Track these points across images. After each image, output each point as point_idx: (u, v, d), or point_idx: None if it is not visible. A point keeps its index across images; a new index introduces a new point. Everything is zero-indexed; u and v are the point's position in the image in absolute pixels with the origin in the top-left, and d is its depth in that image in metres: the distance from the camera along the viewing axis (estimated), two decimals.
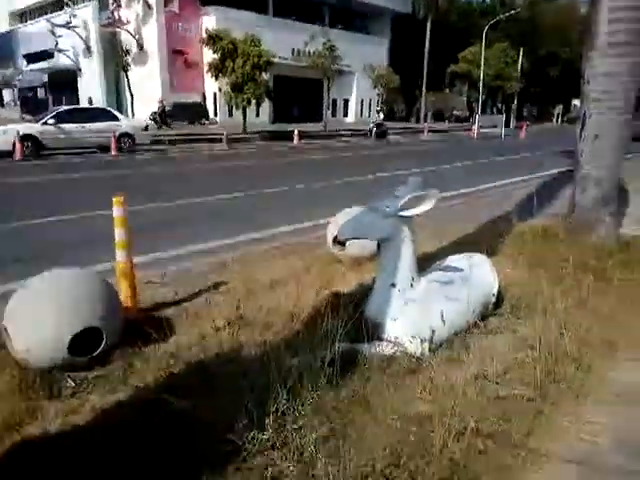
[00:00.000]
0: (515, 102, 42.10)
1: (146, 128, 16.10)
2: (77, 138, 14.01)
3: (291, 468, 1.60)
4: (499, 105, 45.40)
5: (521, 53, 39.10)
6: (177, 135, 19.96)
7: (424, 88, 41.96)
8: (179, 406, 1.81)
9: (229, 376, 2.03)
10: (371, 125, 24.44)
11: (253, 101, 21.66)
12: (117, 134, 14.51)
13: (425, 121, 39.07)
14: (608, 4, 3.70)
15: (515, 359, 2.47)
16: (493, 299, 2.93)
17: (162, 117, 24.35)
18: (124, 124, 15.28)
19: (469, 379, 2.24)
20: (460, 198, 7.30)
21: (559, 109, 48.37)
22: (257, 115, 29.35)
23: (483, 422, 1.95)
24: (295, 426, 1.74)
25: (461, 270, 2.82)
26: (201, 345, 2.40)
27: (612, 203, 4.13)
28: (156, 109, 24.03)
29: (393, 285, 2.48)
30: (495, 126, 27.12)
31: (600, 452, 1.89)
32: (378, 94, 32.49)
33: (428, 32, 41.19)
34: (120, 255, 2.62)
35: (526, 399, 2.14)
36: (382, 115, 24.25)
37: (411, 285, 2.51)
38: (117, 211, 2.60)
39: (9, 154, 12.53)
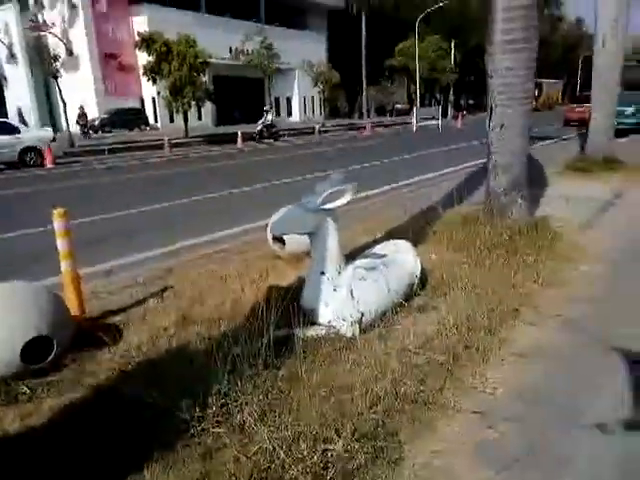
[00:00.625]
0: (451, 93, 43.83)
1: (54, 139, 14.59)
2: None
3: (233, 440, 1.84)
4: (437, 96, 47.05)
5: (452, 45, 40.74)
6: (114, 143, 19.46)
7: (364, 83, 42.84)
8: (130, 393, 2.01)
9: (177, 367, 2.24)
10: (259, 127, 21.58)
11: (193, 104, 21.44)
12: (19, 149, 13.28)
13: (368, 116, 40.00)
14: (502, 4, 4.14)
15: (434, 332, 2.82)
16: (416, 280, 3.27)
17: (84, 125, 23.39)
18: (27, 137, 13.80)
19: (392, 352, 2.57)
20: (391, 192, 7.74)
21: None
22: (199, 118, 29.05)
23: (401, 386, 2.27)
24: (236, 404, 1.98)
25: (384, 256, 3.15)
26: (151, 345, 2.59)
27: (522, 187, 4.61)
28: (76, 116, 23.05)
29: (323, 273, 2.76)
30: (434, 117, 28.17)
31: (498, 402, 2.26)
32: (319, 91, 32.90)
33: (364, 27, 42.03)
34: (64, 265, 2.75)
35: (440, 364, 2.49)
36: (271, 116, 22.13)
37: (338, 272, 2.81)
38: (58, 224, 2.73)
39: None
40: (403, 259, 3.23)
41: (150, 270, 3.92)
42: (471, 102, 54.67)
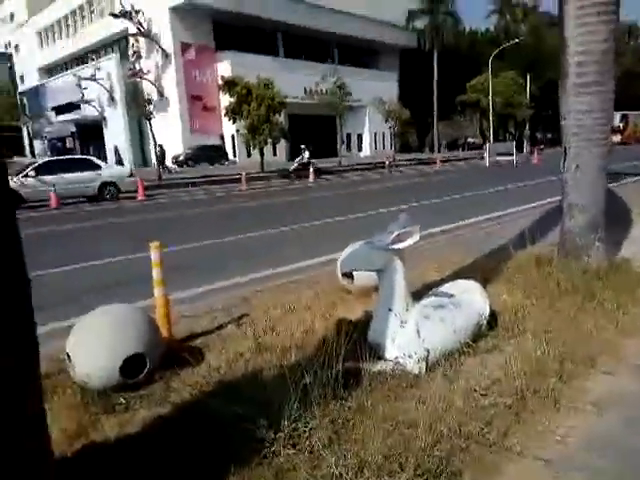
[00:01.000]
0: (527, 127, 42.55)
1: (131, 175, 15.91)
2: (61, 189, 13.83)
3: (303, 462, 1.98)
4: (512, 131, 45.90)
5: (528, 79, 39.82)
6: (197, 177, 20.90)
7: (435, 118, 42.87)
8: (210, 411, 2.22)
9: (252, 390, 2.43)
10: (295, 165, 21.67)
11: (269, 141, 22.63)
12: (98, 183, 14.62)
13: (439, 151, 39.84)
14: (575, 49, 4.15)
15: (502, 374, 2.80)
16: (484, 322, 3.27)
17: (161, 161, 24.89)
18: (106, 173, 15.22)
19: (458, 392, 2.59)
20: (461, 229, 7.67)
21: None
22: (274, 154, 30.51)
23: (467, 426, 2.29)
24: (305, 429, 2.12)
25: (452, 295, 3.20)
26: (228, 368, 2.81)
27: (599, 229, 4.45)
28: (158, 154, 24.69)
29: (390, 310, 2.87)
30: (509, 152, 27.46)
31: (569, 451, 2.21)
32: (390, 127, 33.39)
33: (435, 64, 42.41)
34: (157, 292, 3.09)
35: (507, 407, 2.48)
36: (307, 154, 21.57)
37: (406, 309, 2.90)
38: (154, 255, 3.09)
39: None
40: (471, 299, 3.26)
41: (229, 298, 4.23)
42: (549, 136, 52.66)
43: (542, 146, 38.39)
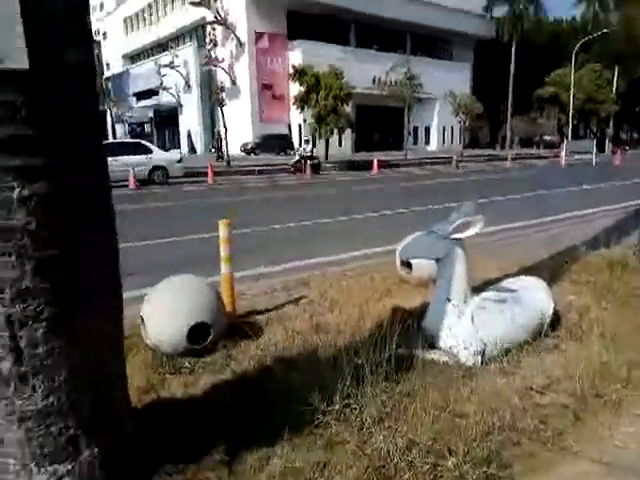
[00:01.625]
0: (611, 125, 39.62)
1: (180, 160, 16.13)
2: (117, 170, 13.51)
3: (352, 436, 2.05)
4: (593, 129, 42.91)
5: (616, 74, 36.94)
6: (263, 165, 21.41)
7: (509, 114, 40.96)
8: (269, 381, 2.35)
9: (307, 366, 2.54)
10: (296, 158, 19.69)
11: (335, 131, 22.71)
12: (149, 167, 15.00)
13: (510, 148, 38.09)
14: None
15: (562, 375, 2.72)
16: (547, 320, 3.17)
17: (218, 148, 24.88)
18: (156, 157, 15.48)
19: (514, 388, 2.55)
20: (533, 228, 7.36)
21: None
22: (339, 144, 30.59)
23: (521, 422, 2.26)
24: (357, 406, 2.19)
25: (514, 291, 3.12)
26: (286, 343, 2.94)
27: None
28: (216, 141, 24.53)
29: (448, 300, 2.86)
30: (589, 151, 25.78)
31: (628, 456, 2.12)
32: (459, 121, 32.35)
33: (513, 55, 40.41)
34: (224, 268, 3.27)
35: (565, 407, 2.41)
36: (310, 146, 19.73)
37: (465, 301, 2.87)
38: (223, 232, 3.26)
39: None
40: (534, 296, 3.17)
41: (289, 280, 4.37)
42: (635, 136, 48.73)
43: (627, 147, 35.66)
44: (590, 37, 34.68)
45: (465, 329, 2.79)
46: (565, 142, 27.61)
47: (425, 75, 29.65)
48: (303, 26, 33.31)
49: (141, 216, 9.40)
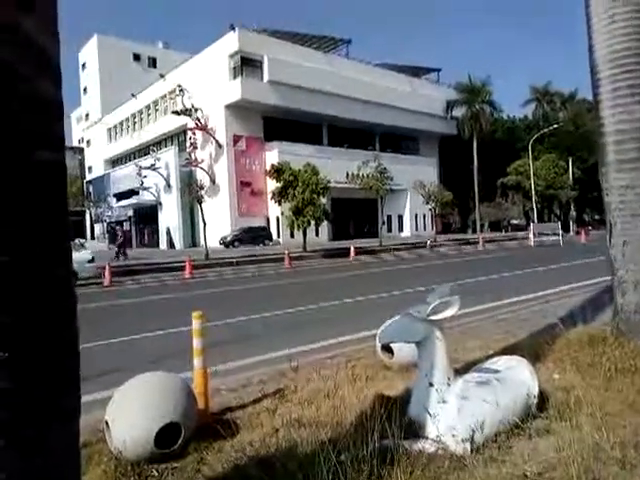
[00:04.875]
0: (572, 208, 41.92)
1: (91, 260, 15.14)
2: None
3: None
4: (556, 212, 45.25)
5: (570, 163, 39.89)
6: (242, 257, 21.55)
7: (477, 200, 43.10)
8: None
9: (285, 467, 2.34)
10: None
11: (312, 222, 23.34)
12: None
13: (481, 231, 39.57)
14: (613, 128, 4.21)
15: (555, 459, 2.57)
16: (534, 401, 3.07)
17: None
18: None
19: (507, 477, 2.39)
20: (509, 307, 7.41)
21: None
22: (317, 235, 31.25)
23: None
24: None
25: (498, 372, 3.05)
26: (262, 443, 2.74)
27: None
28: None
29: (431, 384, 2.76)
30: (554, 233, 26.97)
31: None
32: (430, 209, 33.78)
33: (475, 149, 43.47)
34: (197, 362, 3.13)
35: None
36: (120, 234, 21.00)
37: (447, 384, 2.78)
38: (196, 324, 3.17)
39: None
40: (518, 376, 3.09)
41: (266, 372, 4.19)
42: (596, 217, 51.40)
43: (589, 227, 37.47)
44: (542, 132, 37.90)
45: (451, 415, 2.67)
46: (532, 225, 28.87)
47: (395, 168, 31.46)
48: (278, 128, 35.55)
49: (101, 314, 9.15)
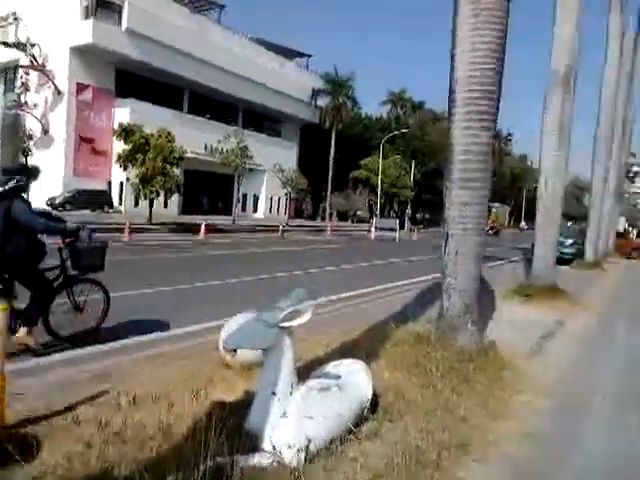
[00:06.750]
0: (409, 207, 46.72)
1: None
2: None
3: None
4: (396, 209, 49.97)
5: (413, 165, 44.29)
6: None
7: (329, 190, 45.25)
8: None
9: None
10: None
11: (162, 193, 21.81)
12: None
13: (330, 220, 41.72)
14: (461, 148, 4.59)
15: (383, 465, 2.68)
16: (368, 405, 3.17)
17: None
18: None
19: None
20: (348, 301, 7.76)
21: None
22: (165, 206, 29.35)
23: None
24: None
25: (338, 377, 3.07)
26: (69, 465, 2.31)
27: (473, 311, 4.75)
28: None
29: (273, 394, 2.64)
30: (392, 229, 29.66)
31: None
32: (286, 193, 34.37)
33: (333, 141, 45.46)
34: None
35: None
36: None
37: (290, 393, 2.69)
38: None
39: None
40: (356, 381, 3.15)
41: (83, 371, 3.63)
42: (427, 217, 58.25)
43: (421, 225, 42.23)
44: (394, 133, 41.27)
45: (290, 426, 2.58)
46: (375, 219, 31.36)
47: (256, 148, 31.10)
48: (134, 85, 32.28)
49: None
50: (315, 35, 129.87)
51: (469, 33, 4.38)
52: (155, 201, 22.68)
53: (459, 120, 4.49)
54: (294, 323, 2.67)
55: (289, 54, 45.70)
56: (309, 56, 49.26)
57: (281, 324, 2.64)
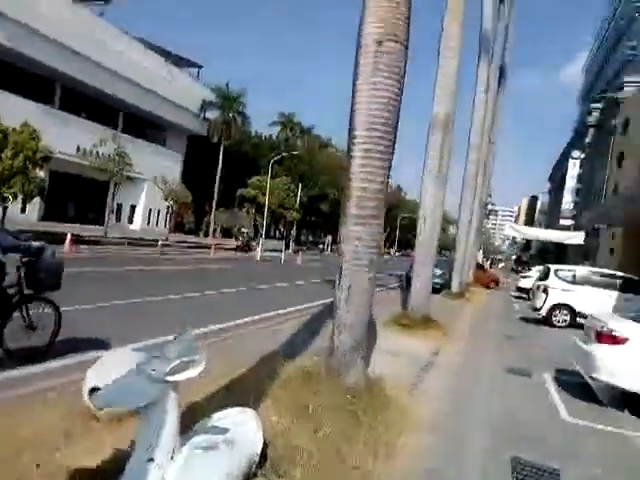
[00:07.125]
0: (294, 229, 47.45)
1: None
2: None
3: None
4: (281, 229, 50.38)
5: (300, 188, 45.22)
6: None
7: (214, 205, 44.07)
8: None
9: None
10: None
11: (20, 196, 19.19)
12: None
13: (214, 236, 40.51)
14: (357, 185, 4.63)
15: None
16: (257, 458, 2.92)
17: None
18: None
19: None
20: (237, 329, 7.45)
21: (328, 239, 56.30)
22: (23, 211, 25.82)
23: None
24: None
25: (226, 431, 2.77)
26: None
27: (362, 347, 4.77)
28: None
29: (151, 460, 2.26)
30: (277, 250, 29.71)
31: None
32: (167, 206, 32.62)
33: (221, 155, 44.59)
34: None
35: None
36: None
37: (171, 458, 2.33)
38: None
39: None
40: (245, 431, 2.89)
41: None
42: (310, 239, 59.71)
43: (305, 248, 43.09)
44: (282, 154, 41.79)
45: None
46: (261, 240, 31.12)
47: (136, 155, 29.08)
48: None
49: None
50: (209, 49, 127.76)
51: (370, 75, 4.48)
52: (10, 204, 19.81)
53: (358, 157, 4.54)
54: (184, 376, 2.33)
55: (179, 62, 44.05)
56: (200, 67, 48.10)
57: (168, 378, 2.29)
